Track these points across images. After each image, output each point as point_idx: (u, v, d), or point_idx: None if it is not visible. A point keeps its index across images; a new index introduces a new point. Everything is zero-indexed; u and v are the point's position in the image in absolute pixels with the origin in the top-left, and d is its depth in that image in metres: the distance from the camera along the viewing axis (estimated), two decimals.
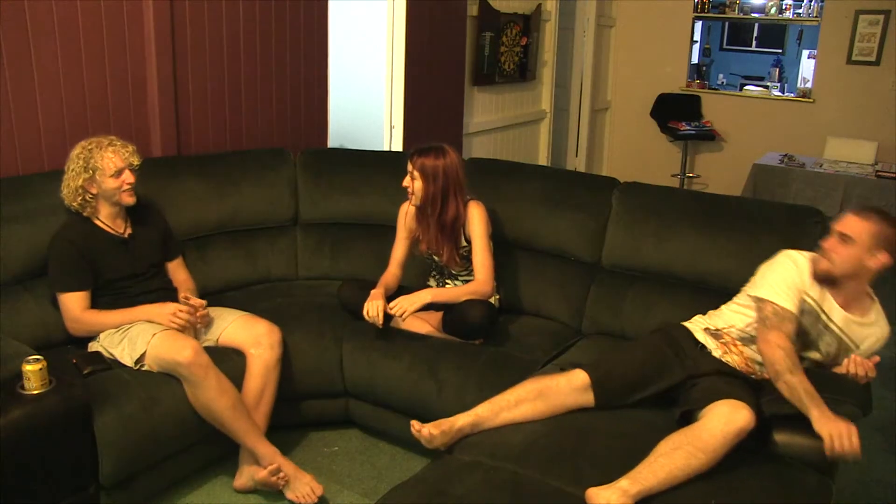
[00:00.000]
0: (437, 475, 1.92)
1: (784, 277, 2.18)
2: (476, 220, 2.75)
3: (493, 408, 2.16)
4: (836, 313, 2.17)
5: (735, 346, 2.26)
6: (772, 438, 2.01)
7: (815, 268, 2.17)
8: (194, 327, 2.56)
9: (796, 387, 1.99)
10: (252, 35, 3.44)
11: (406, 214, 2.90)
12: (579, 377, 2.18)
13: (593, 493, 1.78)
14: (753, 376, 2.22)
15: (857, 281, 2.15)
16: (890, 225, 2.11)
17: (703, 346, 2.27)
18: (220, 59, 3.33)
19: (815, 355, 2.23)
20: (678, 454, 1.85)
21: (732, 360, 2.24)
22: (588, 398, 2.17)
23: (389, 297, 2.70)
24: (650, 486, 1.80)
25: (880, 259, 2.09)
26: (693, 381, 2.16)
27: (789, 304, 2.14)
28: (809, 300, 2.18)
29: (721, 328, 2.30)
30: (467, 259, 2.82)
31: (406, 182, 2.75)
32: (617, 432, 2.07)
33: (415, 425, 2.16)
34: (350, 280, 2.95)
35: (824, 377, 2.10)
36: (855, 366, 2.07)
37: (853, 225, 2.11)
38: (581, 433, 2.07)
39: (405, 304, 2.59)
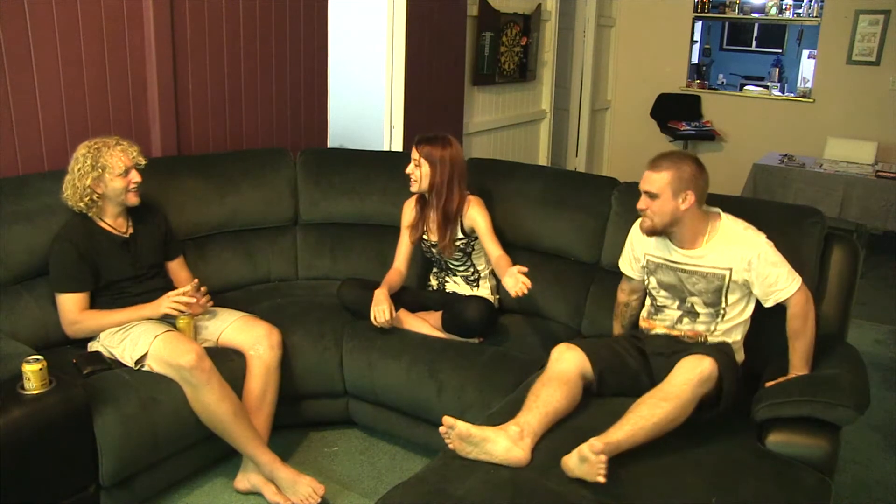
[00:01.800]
0: (437, 475, 1.92)
1: (625, 245, 2.47)
2: (479, 215, 2.77)
3: (528, 407, 2.04)
4: (677, 255, 2.28)
5: (650, 322, 2.41)
6: (771, 439, 2.00)
7: (641, 228, 2.30)
8: (194, 321, 2.55)
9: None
10: (252, 35, 3.45)
11: (408, 209, 2.92)
12: (559, 344, 2.24)
13: (566, 459, 1.83)
14: (688, 339, 2.31)
15: (684, 224, 2.24)
16: (683, 164, 2.19)
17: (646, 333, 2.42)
18: (220, 59, 3.33)
19: (696, 300, 2.29)
20: (642, 407, 1.95)
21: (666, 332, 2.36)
22: (579, 356, 2.17)
23: (393, 296, 2.72)
24: (618, 439, 1.85)
25: (689, 199, 2.19)
26: (656, 357, 2.26)
27: (624, 265, 2.49)
28: (654, 258, 2.35)
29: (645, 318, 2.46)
30: (463, 252, 2.83)
31: (410, 169, 2.76)
32: None
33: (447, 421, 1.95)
34: (350, 280, 2.95)
35: (818, 381, 2.10)
36: None
37: (653, 181, 2.21)
38: (581, 434, 2.06)
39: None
